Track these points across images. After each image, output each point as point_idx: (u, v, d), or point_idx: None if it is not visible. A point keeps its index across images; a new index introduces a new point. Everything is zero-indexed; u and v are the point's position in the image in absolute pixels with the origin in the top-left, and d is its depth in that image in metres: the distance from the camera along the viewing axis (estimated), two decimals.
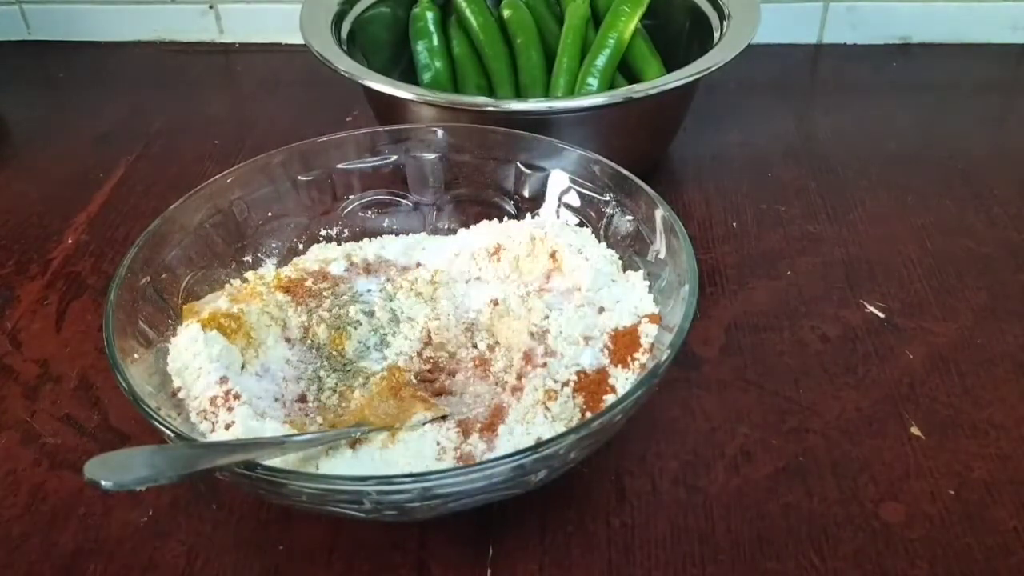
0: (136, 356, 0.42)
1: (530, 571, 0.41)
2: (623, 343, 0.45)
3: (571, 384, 0.43)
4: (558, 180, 0.52)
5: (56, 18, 0.90)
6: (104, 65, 0.88)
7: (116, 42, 0.90)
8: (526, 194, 0.54)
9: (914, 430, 0.46)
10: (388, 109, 0.62)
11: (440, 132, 0.55)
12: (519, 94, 0.67)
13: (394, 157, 0.55)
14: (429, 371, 0.46)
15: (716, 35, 0.64)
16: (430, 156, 0.55)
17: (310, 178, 0.54)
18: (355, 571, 0.41)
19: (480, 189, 0.55)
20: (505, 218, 0.54)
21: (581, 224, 0.52)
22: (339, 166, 0.54)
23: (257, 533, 0.43)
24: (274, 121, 0.77)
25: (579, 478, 0.44)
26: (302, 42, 0.63)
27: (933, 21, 0.82)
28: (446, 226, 0.56)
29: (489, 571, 0.41)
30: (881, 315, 0.54)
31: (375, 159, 0.55)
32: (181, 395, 0.42)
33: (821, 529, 0.42)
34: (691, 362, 0.51)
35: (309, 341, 0.47)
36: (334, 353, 0.47)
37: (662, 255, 0.46)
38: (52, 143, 0.76)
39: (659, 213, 0.47)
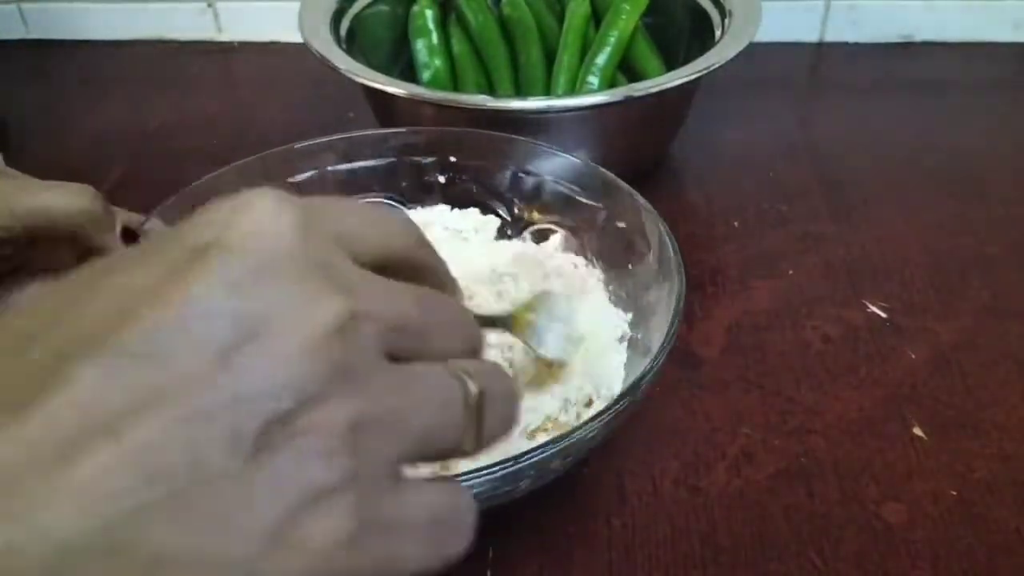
0: None
1: (530, 571, 0.40)
2: None
3: None
4: (552, 186, 0.52)
5: (54, 17, 0.89)
6: (102, 64, 0.87)
7: (114, 41, 0.90)
8: (519, 199, 0.53)
9: (916, 430, 0.46)
10: (387, 108, 0.62)
11: (436, 134, 0.54)
12: (519, 92, 0.67)
13: (391, 159, 0.54)
14: None
15: (717, 33, 0.64)
16: (426, 160, 0.54)
17: (305, 178, 0.53)
18: None
19: (476, 192, 0.54)
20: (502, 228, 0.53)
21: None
22: (333, 168, 0.54)
23: None
24: (272, 120, 0.77)
25: (579, 478, 0.44)
26: (301, 40, 0.62)
27: (935, 20, 0.82)
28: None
29: (489, 571, 0.40)
30: (883, 315, 0.53)
31: (371, 160, 0.54)
32: None
33: (823, 530, 0.41)
34: (692, 362, 0.50)
35: None
36: None
37: (654, 267, 0.45)
38: (50, 142, 0.76)
39: (651, 222, 0.45)
